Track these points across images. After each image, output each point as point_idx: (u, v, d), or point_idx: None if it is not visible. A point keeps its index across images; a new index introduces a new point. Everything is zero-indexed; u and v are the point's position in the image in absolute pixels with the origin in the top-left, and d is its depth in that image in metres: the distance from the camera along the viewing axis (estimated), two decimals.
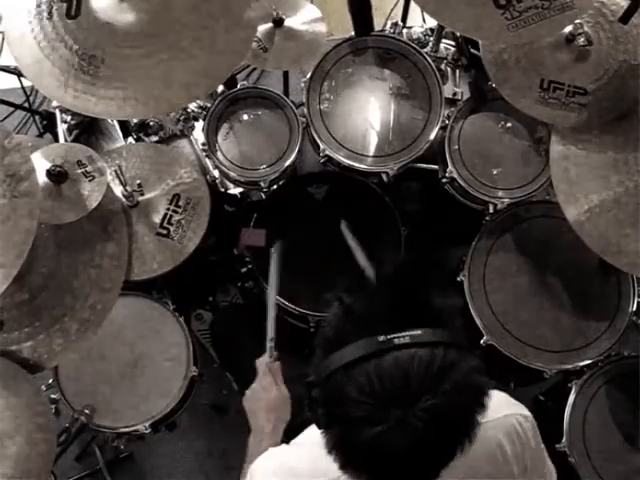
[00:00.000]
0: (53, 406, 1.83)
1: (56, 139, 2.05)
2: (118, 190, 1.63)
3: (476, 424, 0.86)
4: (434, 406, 0.79)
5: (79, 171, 1.50)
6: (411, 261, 1.84)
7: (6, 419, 1.38)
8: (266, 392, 1.39)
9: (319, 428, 0.90)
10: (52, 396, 1.72)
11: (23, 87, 2.31)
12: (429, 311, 0.88)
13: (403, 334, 0.82)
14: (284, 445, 1.19)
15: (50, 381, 1.69)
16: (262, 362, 1.45)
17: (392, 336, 0.82)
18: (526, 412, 1.09)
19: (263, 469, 1.11)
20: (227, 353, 2.07)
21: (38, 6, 1.41)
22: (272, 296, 1.57)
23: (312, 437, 0.93)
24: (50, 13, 1.37)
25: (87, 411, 1.62)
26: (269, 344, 1.49)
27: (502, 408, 1.07)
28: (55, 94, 1.40)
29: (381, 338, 0.82)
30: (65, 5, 1.39)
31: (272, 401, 1.37)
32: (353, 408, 0.82)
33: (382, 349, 0.82)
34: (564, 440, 1.65)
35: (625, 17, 1.51)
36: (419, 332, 0.83)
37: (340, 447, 0.87)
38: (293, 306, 1.82)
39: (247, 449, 1.34)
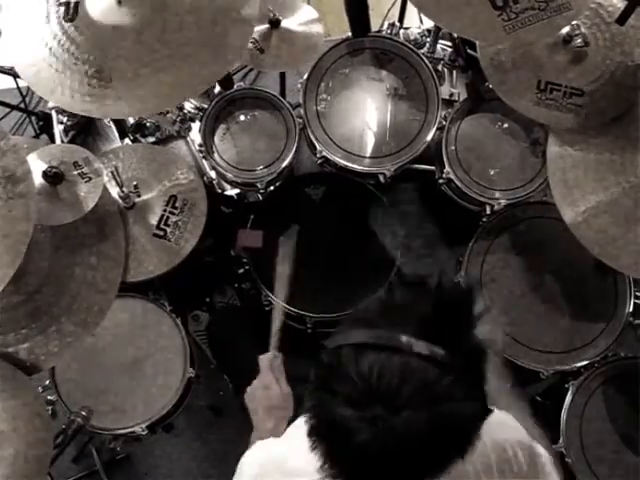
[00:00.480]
0: (50, 408, 1.82)
1: (52, 140, 2.04)
2: (115, 191, 1.63)
3: (445, 466, 0.84)
4: (411, 423, 0.78)
5: (75, 172, 1.50)
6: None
7: (2, 421, 1.37)
8: (267, 389, 1.38)
9: (309, 389, 0.89)
10: (49, 397, 1.72)
11: (19, 88, 2.30)
12: (463, 340, 0.86)
13: (425, 344, 0.81)
14: (272, 438, 1.18)
15: (47, 382, 1.69)
16: (264, 358, 1.45)
17: (414, 342, 0.81)
18: (522, 438, 1.05)
19: (250, 461, 1.11)
20: (224, 354, 2.06)
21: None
22: (281, 292, 1.58)
23: (301, 433, 0.92)
24: (48, 17, 1.37)
25: (84, 413, 1.61)
26: (274, 338, 1.49)
27: (499, 432, 1.03)
28: (53, 96, 1.39)
29: (404, 338, 0.82)
30: (63, 8, 1.39)
31: (273, 398, 1.37)
32: (343, 383, 0.81)
33: (398, 348, 0.81)
34: (561, 441, 1.65)
35: (622, 18, 1.51)
36: (441, 351, 0.81)
37: (314, 412, 0.87)
38: (290, 307, 1.82)
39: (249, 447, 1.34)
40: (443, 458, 0.84)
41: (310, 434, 0.87)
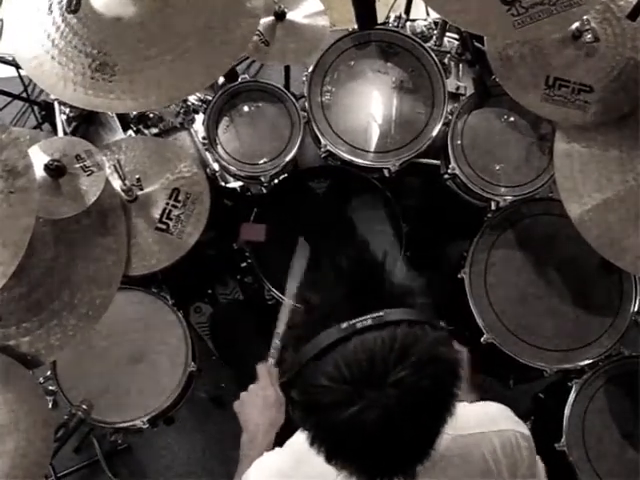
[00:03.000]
0: (51, 398, 1.83)
1: (55, 129, 2.03)
2: (117, 184, 1.61)
3: (453, 396, 0.87)
4: (402, 380, 0.80)
5: (77, 165, 1.48)
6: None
7: (3, 415, 1.38)
8: (263, 391, 1.40)
9: (300, 423, 0.90)
10: (50, 388, 1.72)
11: (21, 77, 2.28)
12: (388, 293, 0.89)
13: (364, 317, 0.84)
14: (277, 448, 1.18)
15: (48, 373, 1.69)
16: (262, 366, 1.46)
17: (354, 321, 0.84)
18: (525, 430, 1.08)
19: (256, 475, 1.11)
20: (225, 346, 2.06)
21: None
22: (289, 297, 1.58)
23: (302, 442, 0.92)
24: (50, 8, 1.35)
25: (85, 406, 1.61)
26: (274, 347, 1.50)
27: (502, 422, 1.08)
28: (55, 89, 1.38)
29: (344, 325, 0.84)
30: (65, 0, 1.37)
31: (269, 400, 1.38)
32: (325, 395, 0.82)
33: (345, 335, 0.83)
34: (563, 439, 1.65)
35: (633, 14, 1.49)
36: (380, 314, 0.84)
37: (319, 437, 0.88)
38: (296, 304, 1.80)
39: (240, 449, 1.35)
40: (447, 389, 0.86)
41: (330, 459, 0.88)
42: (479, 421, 1.04)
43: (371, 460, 0.87)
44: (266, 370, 1.44)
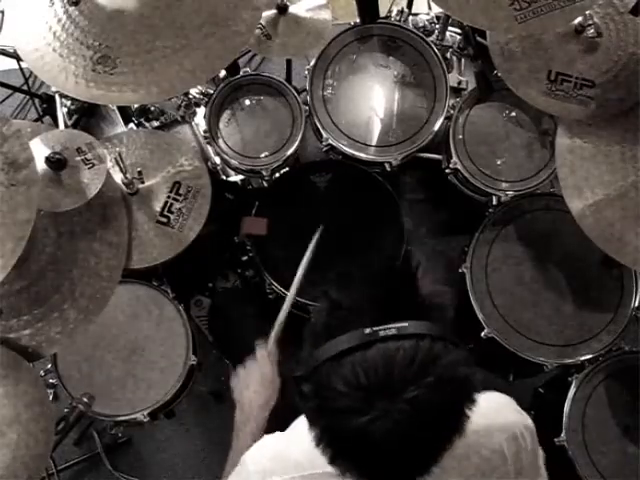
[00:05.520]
0: (51, 391, 1.83)
1: (56, 122, 2.02)
2: (118, 177, 1.61)
3: (464, 418, 0.86)
4: (417, 398, 0.80)
5: (79, 158, 1.48)
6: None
7: (4, 407, 1.37)
8: (260, 369, 1.40)
9: (309, 421, 0.90)
10: (51, 380, 1.72)
11: (22, 69, 2.27)
12: (416, 305, 0.89)
13: (389, 326, 0.83)
14: (278, 433, 1.18)
15: (49, 366, 1.69)
16: (262, 346, 1.46)
17: (378, 328, 0.83)
18: (527, 421, 1.09)
19: (255, 457, 1.11)
20: (226, 339, 2.06)
21: None
22: (296, 284, 1.58)
23: (305, 427, 0.93)
24: (52, 0, 1.35)
25: (85, 399, 1.61)
26: (275, 329, 1.50)
27: (507, 414, 1.08)
28: (56, 81, 1.37)
29: (367, 330, 0.83)
30: None
31: (266, 377, 1.38)
32: (339, 399, 0.82)
33: (368, 341, 0.83)
34: (563, 434, 1.65)
35: (636, 9, 1.49)
36: (405, 324, 0.83)
37: (327, 439, 0.88)
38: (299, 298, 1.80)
39: (234, 426, 1.35)
40: (460, 411, 0.86)
41: (333, 461, 0.88)
42: (482, 415, 1.03)
43: (373, 469, 0.87)
44: (266, 350, 1.43)
